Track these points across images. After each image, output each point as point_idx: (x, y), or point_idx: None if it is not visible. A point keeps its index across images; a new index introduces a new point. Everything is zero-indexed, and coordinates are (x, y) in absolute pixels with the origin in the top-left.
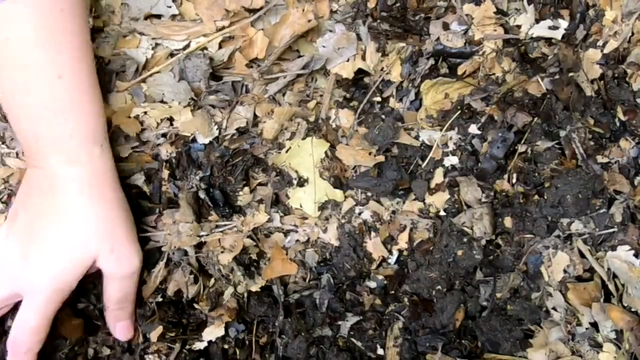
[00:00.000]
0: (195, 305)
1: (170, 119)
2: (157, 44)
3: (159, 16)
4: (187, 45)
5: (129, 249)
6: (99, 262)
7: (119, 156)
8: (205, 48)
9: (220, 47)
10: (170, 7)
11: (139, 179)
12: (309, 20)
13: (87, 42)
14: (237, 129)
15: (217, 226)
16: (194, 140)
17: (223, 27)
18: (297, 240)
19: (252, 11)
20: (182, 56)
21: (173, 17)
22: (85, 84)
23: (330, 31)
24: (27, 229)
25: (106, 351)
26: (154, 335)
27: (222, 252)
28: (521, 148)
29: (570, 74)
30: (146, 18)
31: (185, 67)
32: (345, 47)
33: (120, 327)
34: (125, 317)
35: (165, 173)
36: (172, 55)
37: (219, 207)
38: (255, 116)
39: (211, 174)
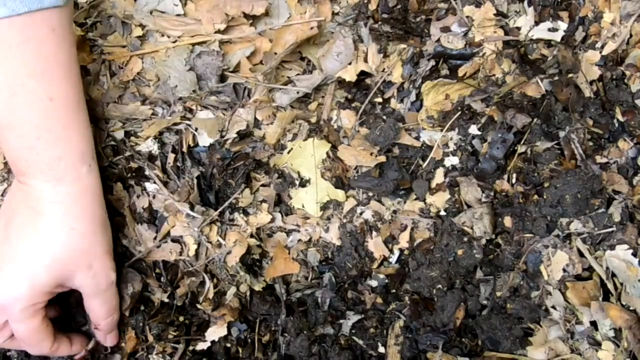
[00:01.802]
0: (198, 306)
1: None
2: (148, 32)
3: (163, 13)
4: (175, 41)
5: (106, 265)
6: (76, 278)
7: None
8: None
9: (220, 49)
10: (177, 5)
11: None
12: (312, 28)
13: (76, 60)
14: (237, 132)
15: (220, 227)
16: (196, 143)
17: (219, 30)
18: (300, 240)
19: (252, 17)
20: (197, 50)
21: (177, 16)
22: (75, 104)
23: (332, 32)
24: (4, 243)
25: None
26: (128, 345)
27: (228, 253)
28: (521, 148)
29: (570, 75)
30: (151, 12)
31: (195, 63)
32: (343, 52)
33: (110, 336)
34: (114, 327)
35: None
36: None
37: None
38: (256, 119)
39: (212, 175)
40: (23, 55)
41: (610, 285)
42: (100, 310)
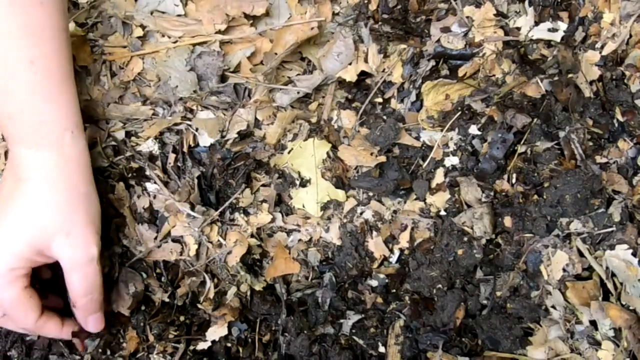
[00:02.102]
0: (199, 306)
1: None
2: (148, 32)
3: (164, 13)
4: (176, 41)
5: (86, 236)
6: (53, 246)
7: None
8: (198, 44)
9: (221, 49)
10: (177, 5)
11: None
12: (312, 29)
13: (65, 34)
14: (238, 132)
15: (221, 227)
16: (196, 144)
17: (220, 31)
18: (300, 240)
19: (253, 17)
20: (197, 50)
21: (178, 16)
22: (58, 72)
23: (332, 33)
24: None
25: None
26: (130, 345)
27: (229, 253)
28: (521, 148)
29: (569, 76)
30: (151, 13)
31: (196, 63)
32: (343, 52)
33: (92, 319)
34: (96, 309)
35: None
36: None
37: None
38: (256, 119)
39: (212, 176)
40: (6, 16)
41: (610, 285)
42: (79, 286)
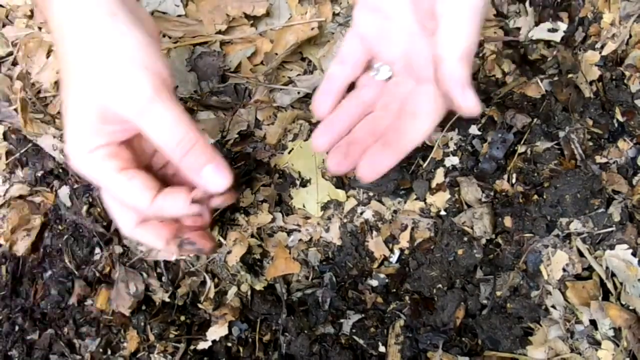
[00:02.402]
0: (199, 305)
1: None
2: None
3: (165, 14)
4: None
5: (134, 76)
6: (110, 102)
7: None
8: (198, 44)
9: (221, 49)
10: (178, 5)
11: None
12: (312, 29)
13: None
14: (238, 132)
15: (221, 226)
16: None
17: (220, 31)
18: (300, 240)
19: (253, 18)
20: (198, 50)
21: (179, 16)
22: None
23: (332, 33)
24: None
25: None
26: (130, 345)
27: (229, 253)
28: (521, 148)
29: (569, 76)
30: (152, 13)
31: (196, 64)
32: None
33: (209, 172)
34: (204, 154)
35: None
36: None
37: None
38: (257, 120)
39: None
40: None
41: (609, 285)
42: (165, 133)
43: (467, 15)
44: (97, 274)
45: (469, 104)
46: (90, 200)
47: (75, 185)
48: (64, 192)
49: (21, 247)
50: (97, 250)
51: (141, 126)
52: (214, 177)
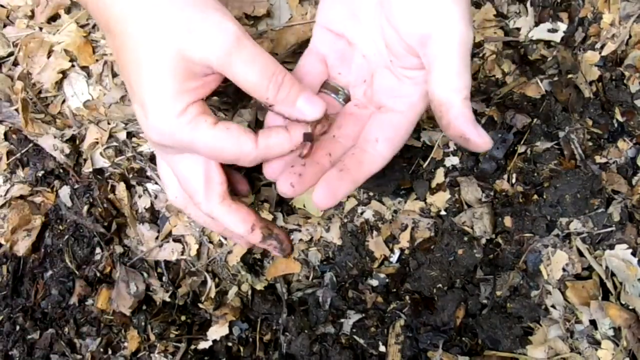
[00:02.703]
0: (200, 305)
1: None
2: None
3: None
4: None
5: (213, 22)
6: (189, 51)
7: None
8: None
9: None
10: None
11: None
12: (312, 29)
13: None
14: None
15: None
16: None
17: None
18: (301, 240)
19: (254, 18)
20: None
21: None
22: None
23: None
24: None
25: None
26: (131, 344)
27: (229, 253)
28: (521, 148)
29: (569, 76)
30: None
31: None
32: None
33: (303, 101)
34: (298, 87)
35: None
36: None
37: None
38: (257, 120)
39: None
40: None
41: (609, 285)
42: (249, 74)
43: (462, 55)
44: (98, 274)
45: (485, 139)
46: (91, 200)
47: (76, 185)
48: (65, 192)
49: (22, 247)
50: (98, 250)
51: (230, 70)
52: (309, 106)
